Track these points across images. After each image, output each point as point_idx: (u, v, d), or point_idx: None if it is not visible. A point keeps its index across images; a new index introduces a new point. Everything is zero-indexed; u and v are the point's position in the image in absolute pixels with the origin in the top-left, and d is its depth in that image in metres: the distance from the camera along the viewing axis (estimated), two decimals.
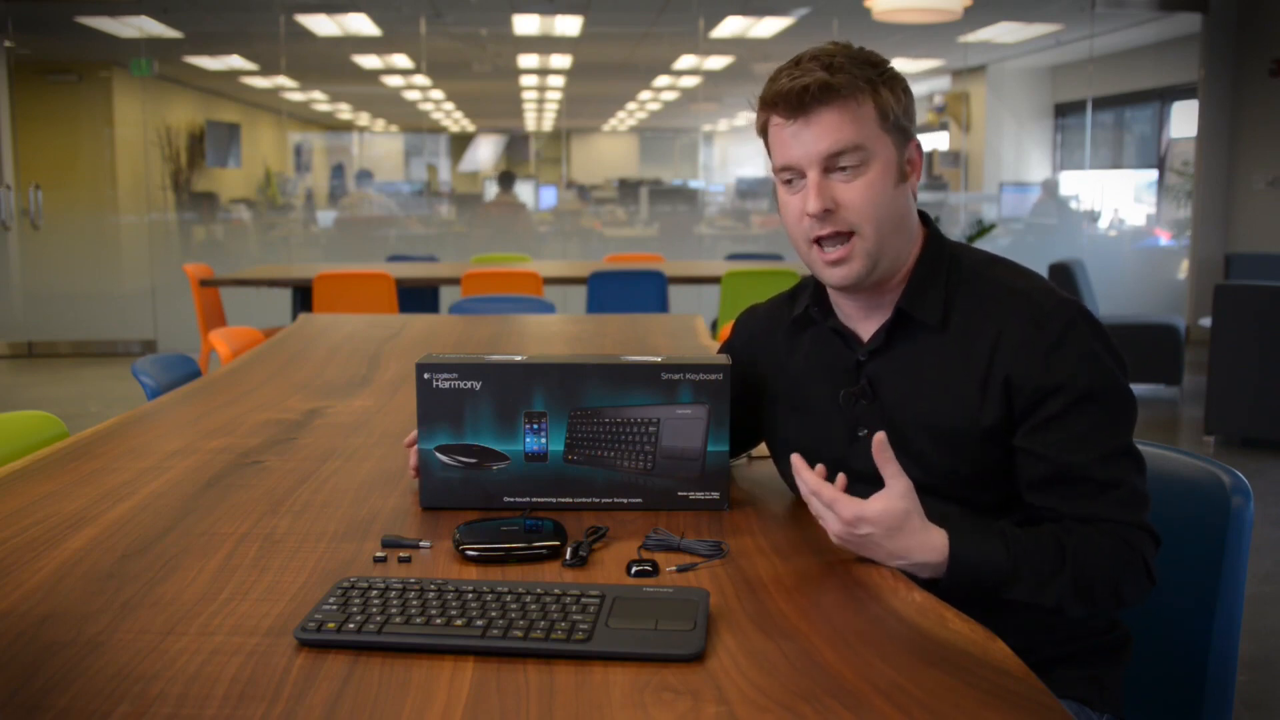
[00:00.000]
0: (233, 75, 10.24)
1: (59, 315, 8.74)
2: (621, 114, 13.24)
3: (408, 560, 1.30)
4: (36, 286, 8.76)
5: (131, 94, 8.92)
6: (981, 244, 8.36)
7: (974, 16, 8.04)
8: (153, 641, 1.06)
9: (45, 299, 8.77)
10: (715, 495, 1.48)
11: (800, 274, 1.82)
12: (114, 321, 8.76)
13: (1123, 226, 10.00)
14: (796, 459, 1.28)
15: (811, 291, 1.51)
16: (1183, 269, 9.08)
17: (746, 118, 10.91)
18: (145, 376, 2.58)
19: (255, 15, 8.60)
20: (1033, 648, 1.20)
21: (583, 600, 1.10)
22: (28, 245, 8.64)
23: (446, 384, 1.46)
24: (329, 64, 10.45)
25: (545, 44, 9.84)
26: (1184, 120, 9.41)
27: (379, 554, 1.31)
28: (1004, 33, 9.52)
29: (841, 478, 1.27)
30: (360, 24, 8.79)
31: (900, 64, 1.43)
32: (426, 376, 1.47)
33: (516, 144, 12.26)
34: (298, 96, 10.60)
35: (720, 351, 1.65)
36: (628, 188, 10.63)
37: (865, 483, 1.31)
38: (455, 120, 12.29)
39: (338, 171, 10.93)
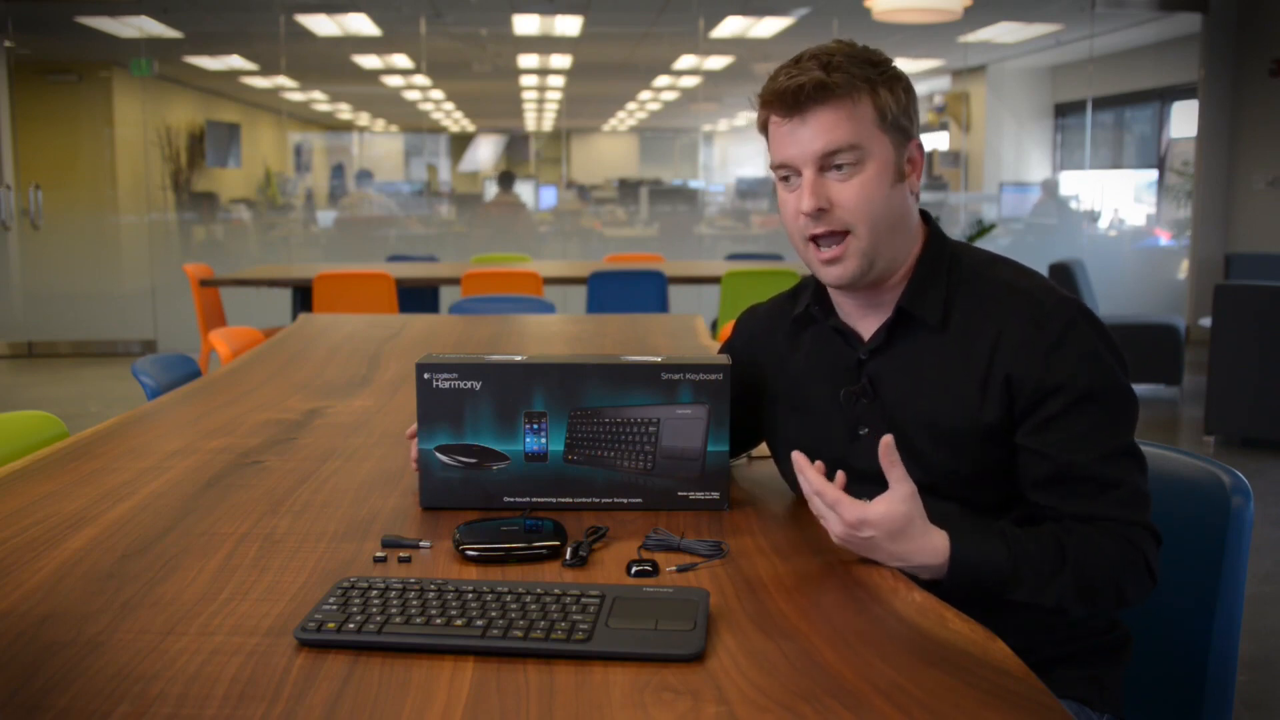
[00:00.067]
0: (233, 75, 10.24)
1: (59, 315, 8.74)
2: (621, 114, 13.24)
3: (408, 560, 1.30)
4: (36, 286, 8.76)
5: (131, 94, 8.93)
6: (981, 244, 8.33)
7: (974, 16, 8.04)
8: (153, 641, 1.06)
9: (45, 299, 8.77)
10: (715, 495, 1.48)
11: (800, 274, 1.83)
12: (114, 321, 8.76)
13: (1123, 226, 10.00)
14: (799, 457, 1.28)
15: (812, 291, 1.51)
16: (1183, 269, 9.08)
17: (746, 118, 10.92)
18: (145, 376, 2.58)
19: (255, 15, 8.60)
20: (1033, 648, 1.20)
21: (583, 600, 1.10)
22: (28, 245, 8.64)
23: (446, 384, 1.46)
24: (329, 64, 10.45)
25: (545, 44, 9.85)
26: (1184, 120, 9.41)
27: (379, 554, 1.31)
28: (1004, 33, 9.52)
29: (841, 476, 1.27)
30: (360, 24, 8.79)
31: (900, 64, 1.43)
32: (426, 376, 1.47)
33: (516, 144, 12.26)
34: (298, 96, 10.60)
35: (721, 351, 1.65)
36: (628, 188, 10.63)
37: (865, 482, 1.31)
38: (455, 120, 12.29)
39: (338, 171, 10.93)
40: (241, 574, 1.25)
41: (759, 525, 1.43)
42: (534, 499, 1.48)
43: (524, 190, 10.13)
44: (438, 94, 11.21)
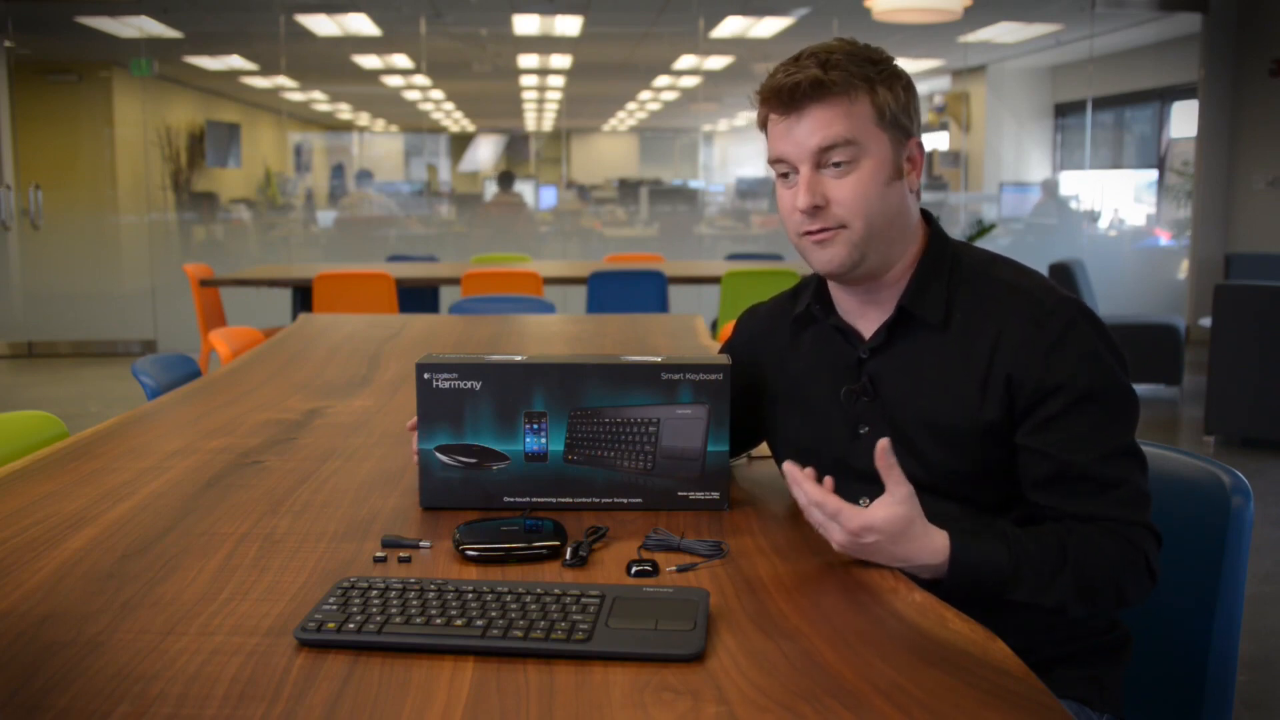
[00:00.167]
0: (233, 75, 10.24)
1: (59, 315, 8.74)
2: (621, 114, 13.24)
3: (408, 560, 1.30)
4: (36, 286, 8.76)
5: (131, 94, 8.93)
6: (981, 244, 8.34)
7: (974, 16, 8.04)
8: (153, 641, 1.06)
9: (45, 299, 8.77)
10: (715, 495, 1.48)
11: (800, 274, 1.82)
12: (114, 321, 8.76)
13: (1123, 226, 10.01)
14: (791, 468, 1.25)
15: (813, 290, 1.51)
16: (1183, 269, 9.08)
17: (746, 118, 10.92)
18: (145, 376, 2.58)
19: (255, 15, 8.61)
20: (1033, 648, 1.20)
21: (583, 600, 1.10)
22: (28, 245, 8.64)
23: (446, 384, 1.46)
24: (329, 64, 10.45)
25: (545, 44, 9.85)
26: (1184, 120, 9.41)
27: (379, 554, 1.31)
28: (1004, 33, 9.52)
29: (829, 481, 1.26)
30: (360, 24, 8.79)
31: (900, 64, 1.43)
32: (426, 376, 1.47)
33: (516, 144, 12.26)
34: (298, 96, 10.60)
35: (721, 351, 1.65)
36: (628, 188, 10.63)
37: (866, 481, 1.31)
38: (455, 120, 12.30)
39: (338, 171, 10.93)
40: (241, 574, 1.25)
41: (759, 525, 1.43)
42: (534, 499, 1.48)
43: (524, 190, 10.13)
44: (438, 94, 11.21)
